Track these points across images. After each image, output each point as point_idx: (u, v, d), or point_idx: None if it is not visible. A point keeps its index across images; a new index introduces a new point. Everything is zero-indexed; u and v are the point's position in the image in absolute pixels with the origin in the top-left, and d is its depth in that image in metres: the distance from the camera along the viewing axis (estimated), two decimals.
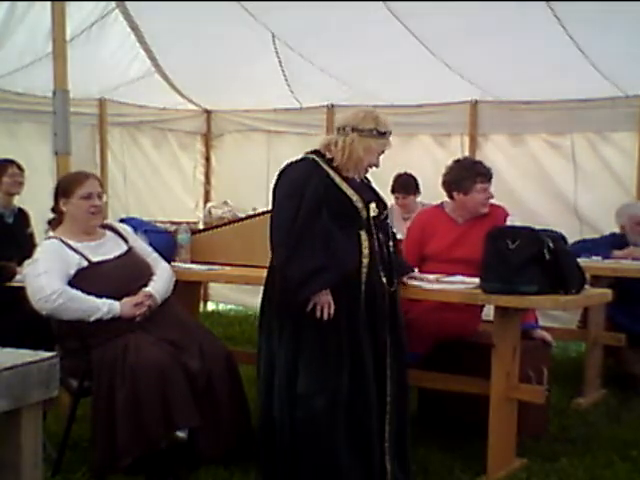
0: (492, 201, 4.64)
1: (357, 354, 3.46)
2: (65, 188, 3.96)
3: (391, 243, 3.66)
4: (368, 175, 3.76)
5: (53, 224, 4.02)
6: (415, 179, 6.28)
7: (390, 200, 6.25)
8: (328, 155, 3.58)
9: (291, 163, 3.58)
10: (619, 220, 5.81)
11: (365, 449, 3.49)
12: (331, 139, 3.61)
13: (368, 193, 3.62)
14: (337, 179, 3.53)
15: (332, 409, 3.42)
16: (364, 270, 3.48)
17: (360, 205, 3.52)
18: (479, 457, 3.89)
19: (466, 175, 4.52)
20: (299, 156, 3.62)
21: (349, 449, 3.46)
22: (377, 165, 3.63)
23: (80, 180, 3.97)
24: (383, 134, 3.58)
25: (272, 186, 3.56)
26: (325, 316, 3.37)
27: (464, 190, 4.51)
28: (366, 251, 3.49)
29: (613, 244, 5.73)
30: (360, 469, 3.49)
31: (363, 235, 3.51)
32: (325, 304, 3.38)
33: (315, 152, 3.61)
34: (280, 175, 3.55)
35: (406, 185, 6.27)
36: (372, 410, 3.49)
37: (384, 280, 3.55)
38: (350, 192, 3.52)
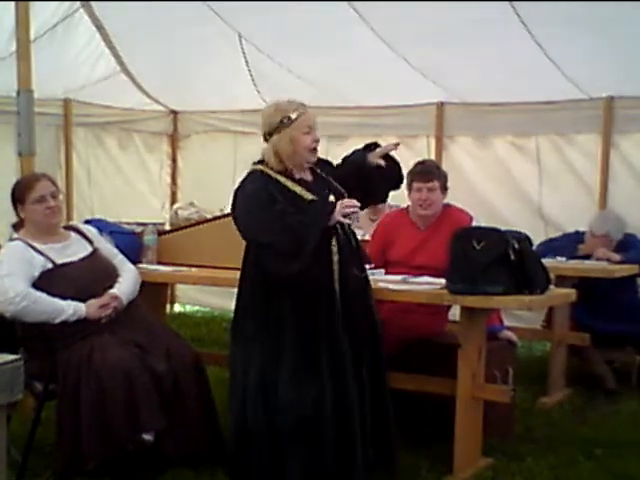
0: (457, 205, 4.67)
1: (336, 355, 3.45)
2: (19, 195, 3.94)
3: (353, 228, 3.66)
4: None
5: (17, 227, 3.99)
6: None
7: None
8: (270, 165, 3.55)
9: (243, 181, 3.55)
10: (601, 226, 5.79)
11: (349, 448, 3.49)
12: (263, 151, 3.59)
13: (323, 186, 3.59)
14: (289, 184, 3.50)
15: (316, 414, 3.42)
16: (335, 268, 3.48)
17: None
18: (445, 457, 3.91)
19: (408, 175, 4.57)
20: (247, 171, 3.60)
21: (334, 451, 3.46)
22: (316, 141, 3.55)
23: (30, 185, 3.94)
24: (296, 118, 3.52)
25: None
26: (354, 208, 3.39)
27: (409, 191, 4.56)
28: (335, 248, 3.49)
29: (577, 242, 5.79)
30: (344, 468, 3.49)
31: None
32: (343, 209, 3.38)
33: (261, 162, 3.59)
34: (235, 195, 3.53)
35: None
36: (354, 410, 3.48)
37: (356, 271, 3.54)
38: (304, 193, 3.49)
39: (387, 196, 4.13)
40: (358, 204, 3.42)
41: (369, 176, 3.73)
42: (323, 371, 3.42)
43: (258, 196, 3.44)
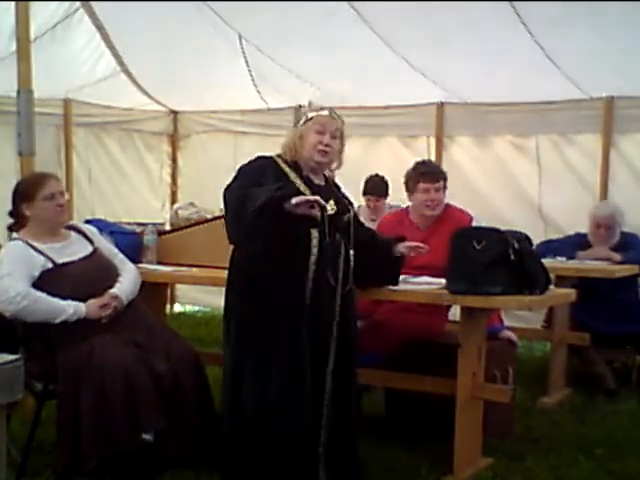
0: (457, 205, 4.67)
1: (296, 352, 3.43)
2: (26, 192, 3.93)
3: (351, 247, 3.61)
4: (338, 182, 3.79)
5: (15, 228, 3.98)
6: (386, 182, 6.30)
7: (361, 201, 6.27)
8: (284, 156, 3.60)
9: (249, 161, 3.60)
10: (604, 208, 5.85)
11: (299, 450, 3.47)
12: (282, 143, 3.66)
13: (328, 193, 3.58)
14: (292, 176, 3.52)
15: (272, 409, 3.42)
16: (312, 267, 3.45)
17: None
18: (445, 457, 3.91)
19: (412, 175, 4.58)
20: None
21: (285, 451, 3.45)
22: (323, 143, 3.52)
23: (40, 182, 3.94)
24: (312, 117, 3.58)
25: None
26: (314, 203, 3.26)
27: (411, 190, 4.57)
28: (315, 249, 3.46)
29: (577, 244, 5.79)
30: (295, 470, 3.48)
31: (314, 232, 3.46)
32: (301, 201, 3.24)
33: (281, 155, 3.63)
34: (237, 171, 3.58)
35: (377, 188, 6.27)
36: (308, 411, 3.46)
37: (332, 281, 3.51)
38: (304, 189, 3.49)
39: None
40: (321, 203, 3.28)
41: (383, 257, 3.83)
42: (284, 366, 3.41)
43: (249, 170, 3.52)
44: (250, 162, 3.60)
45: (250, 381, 3.45)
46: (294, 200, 3.21)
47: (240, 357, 3.48)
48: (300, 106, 7.26)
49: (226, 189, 3.49)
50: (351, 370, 3.64)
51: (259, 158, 3.61)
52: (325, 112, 3.61)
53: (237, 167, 3.61)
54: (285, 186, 3.36)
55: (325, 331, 3.52)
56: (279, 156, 3.62)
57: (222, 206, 3.53)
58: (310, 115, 3.60)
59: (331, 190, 3.67)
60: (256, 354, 3.45)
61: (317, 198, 3.29)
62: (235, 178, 3.53)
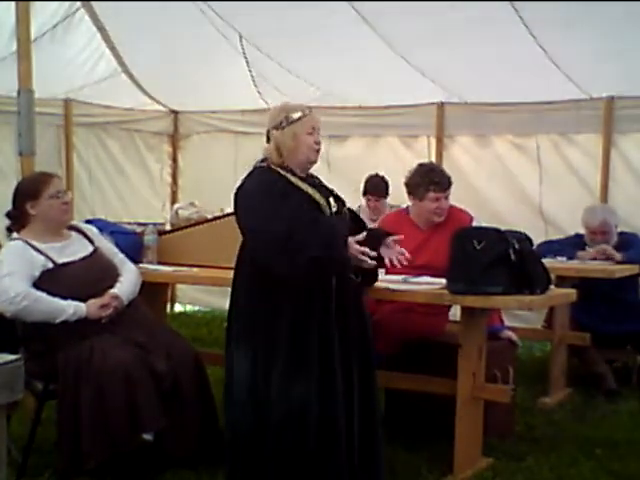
0: (457, 205, 4.67)
1: (327, 353, 3.41)
2: (31, 190, 3.92)
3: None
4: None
5: (14, 228, 3.97)
6: (386, 182, 6.30)
7: (361, 201, 6.28)
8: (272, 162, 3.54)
9: (249, 175, 3.53)
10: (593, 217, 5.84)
11: (334, 450, 3.44)
12: (265, 148, 3.58)
13: (324, 191, 3.58)
14: (293, 179, 3.49)
15: (303, 413, 3.38)
16: None
17: (322, 202, 3.47)
18: (446, 457, 3.91)
19: (420, 182, 4.54)
20: (251, 168, 3.57)
21: (319, 451, 3.41)
22: (318, 143, 3.53)
23: (45, 180, 3.95)
24: (300, 117, 3.52)
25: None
26: (370, 257, 3.37)
27: (419, 196, 4.55)
28: None
29: (577, 245, 5.79)
30: (329, 470, 3.45)
31: None
32: (359, 253, 3.37)
33: (264, 161, 3.57)
34: (237, 193, 3.49)
35: (378, 188, 6.27)
36: (340, 413, 3.42)
37: (354, 277, 3.50)
38: (310, 190, 3.48)
39: None
40: (371, 255, 3.38)
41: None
42: (312, 370, 3.38)
43: (271, 186, 3.43)
44: (255, 177, 3.49)
45: (278, 378, 3.37)
46: (358, 253, 3.37)
47: (263, 355, 3.40)
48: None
49: (247, 211, 3.42)
50: (372, 361, 3.60)
51: (259, 170, 3.51)
52: (307, 111, 3.54)
53: (238, 181, 3.51)
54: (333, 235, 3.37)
55: (349, 323, 3.48)
56: (263, 161, 3.54)
57: (242, 225, 3.43)
58: (296, 116, 3.51)
59: (324, 186, 3.62)
60: (284, 352, 3.38)
61: (366, 252, 3.37)
62: (251, 201, 3.42)
